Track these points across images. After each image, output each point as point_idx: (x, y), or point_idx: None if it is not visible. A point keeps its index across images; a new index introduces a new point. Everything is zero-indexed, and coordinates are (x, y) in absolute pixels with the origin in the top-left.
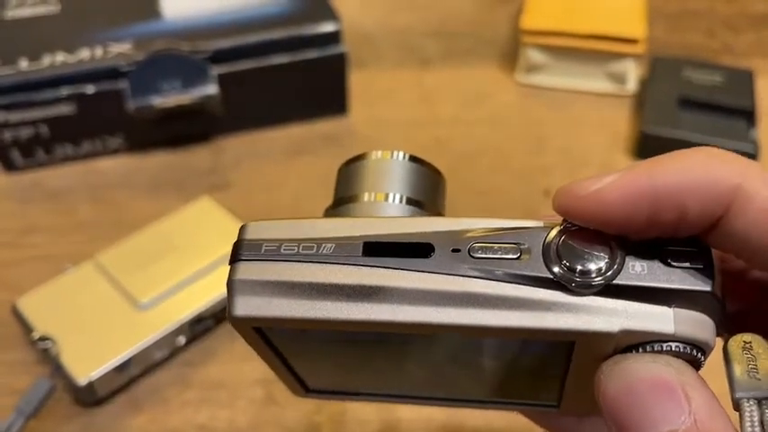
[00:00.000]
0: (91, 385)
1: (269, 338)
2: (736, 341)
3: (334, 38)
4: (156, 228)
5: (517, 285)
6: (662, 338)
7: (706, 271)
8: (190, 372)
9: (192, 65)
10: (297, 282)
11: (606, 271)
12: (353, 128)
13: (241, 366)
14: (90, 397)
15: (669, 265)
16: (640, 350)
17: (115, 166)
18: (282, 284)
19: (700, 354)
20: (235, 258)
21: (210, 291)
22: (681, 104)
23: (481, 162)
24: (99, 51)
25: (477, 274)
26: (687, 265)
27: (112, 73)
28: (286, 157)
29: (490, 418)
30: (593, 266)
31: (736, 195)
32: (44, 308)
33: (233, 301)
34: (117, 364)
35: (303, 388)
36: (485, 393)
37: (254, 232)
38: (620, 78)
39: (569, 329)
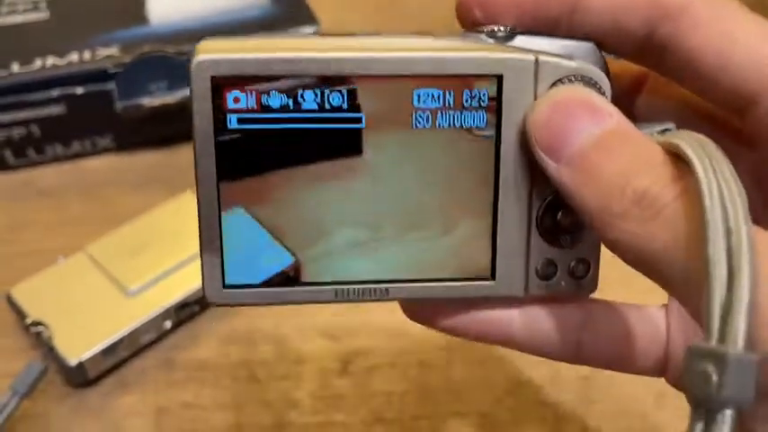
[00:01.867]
0: (81, 366)
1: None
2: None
3: None
4: (142, 220)
5: (451, 40)
6: (570, 72)
7: (592, 47)
8: (176, 354)
9: (177, 66)
10: (259, 39)
11: (513, 29)
12: None
13: (225, 349)
14: (81, 378)
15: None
16: (558, 84)
17: (104, 165)
18: (247, 44)
19: (603, 91)
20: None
21: (195, 278)
22: None
23: None
24: (88, 54)
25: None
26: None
27: (101, 75)
28: None
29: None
30: (503, 29)
31: (682, 16)
32: (37, 296)
33: (195, 52)
34: (106, 346)
35: (222, 279)
36: (412, 268)
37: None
38: None
39: (495, 58)
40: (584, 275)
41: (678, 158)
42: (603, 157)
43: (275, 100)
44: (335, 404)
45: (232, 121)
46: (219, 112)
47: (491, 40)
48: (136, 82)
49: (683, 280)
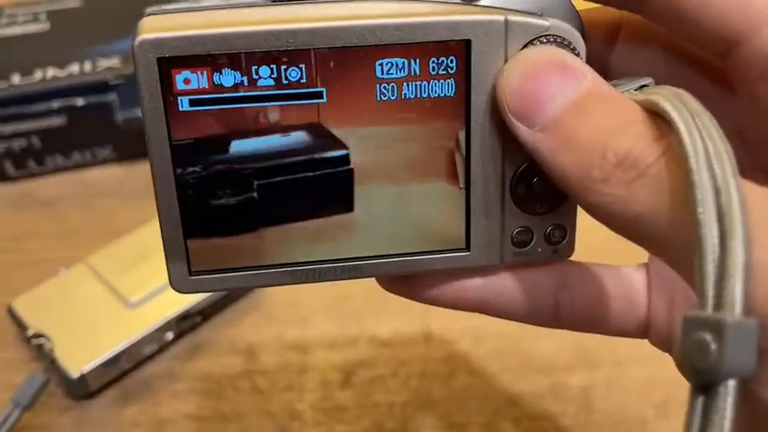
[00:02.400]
0: (83, 378)
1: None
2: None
3: None
4: (143, 231)
5: (415, 3)
6: (541, 32)
7: (566, 1)
8: (177, 365)
9: None
10: (207, 12)
11: None
12: None
13: (227, 360)
14: (82, 390)
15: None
16: (530, 46)
17: (104, 176)
18: (191, 15)
19: (576, 51)
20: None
21: None
22: None
23: None
24: (88, 66)
25: None
26: None
27: (101, 86)
28: None
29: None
30: None
31: None
32: (38, 308)
33: (137, 31)
34: (108, 358)
35: (187, 266)
36: (383, 245)
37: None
38: None
39: (462, 21)
40: (561, 241)
41: (658, 116)
42: (579, 120)
43: (228, 78)
44: (338, 415)
45: (183, 104)
46: (169, 94)
47: (457, 0)
48: (136, 94)
49: (672, 242)
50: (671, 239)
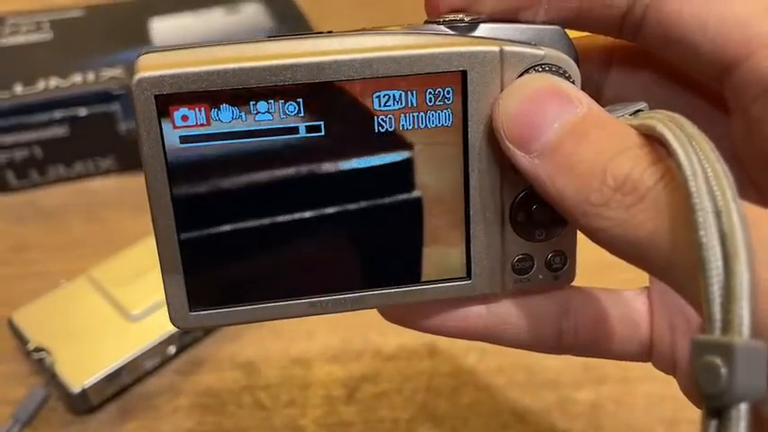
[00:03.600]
0: (84, 393)
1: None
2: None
3: None
4: (145, 243)
5: (409, 35)
6: (536, 62)
7: (559, 30)
8: (179, 380)
9: None
10: (203, 49)
11: (476, 17)
12: None
13: (229, 375)
14: (83, 404)
15: (525, 24)
16: (525, 75)
17: (107, 187)
18: (189, 52)
19: (572, 79)
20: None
21: None
22: None
23: None
24: (91, 76)
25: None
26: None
27: (104, 96)
28: None
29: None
30: (465, 18)
31: None
32: (39, 320)
33: (135, 69)
34: (109, 372)
35: (188, 301)
36: (388, 277)
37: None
38: None
39: (458, 52)
40: (562, 267)
41: (655, 141)
42: (577, 145)
43: (226, 114)
44: (342, 431)
45: (180, 140)
46: (168, 131)
47: (452, 32)
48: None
49: (675, 265)
50: (673, 263)
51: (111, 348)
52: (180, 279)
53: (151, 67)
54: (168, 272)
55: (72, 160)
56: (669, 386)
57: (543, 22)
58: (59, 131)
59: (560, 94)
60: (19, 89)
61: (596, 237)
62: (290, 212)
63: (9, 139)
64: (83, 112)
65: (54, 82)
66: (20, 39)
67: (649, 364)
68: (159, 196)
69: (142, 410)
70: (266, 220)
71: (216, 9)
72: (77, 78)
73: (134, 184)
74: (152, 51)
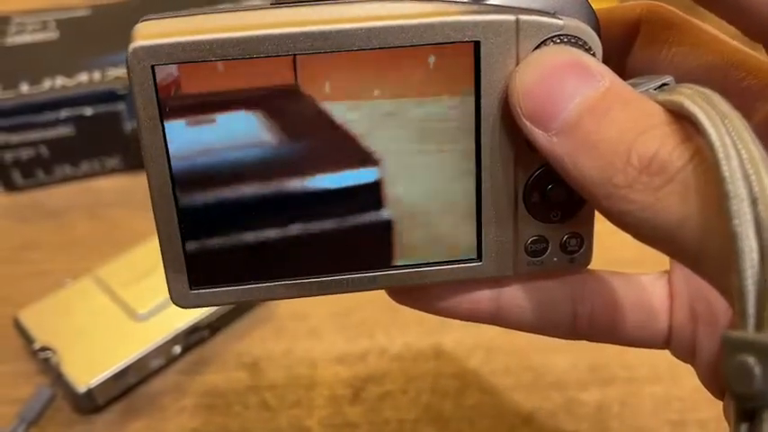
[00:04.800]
0: (90, 392)
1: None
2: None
3: None
4: (151, 242)
5: (421, 3)
6: (554, 32)
7: None
8: (185, 380)
9: None
10: (203, 16)
11: None
12: None
13: (235, 375)
14: (89, 404)
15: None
16: (543, 47)
17: (112, 186)
18: (189, 20)
19: (592, 51)
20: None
21: None
22: None
23: None
24: (97, 75)
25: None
26: None
27: (110, 96)
28: None
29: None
30: None
31: None
32: (45, 320)
33: (131, 37)
34: (115, 372)
35: (188, 279)
36: (390, 256)
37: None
38: None
39: (470, 21)
40: (578, 250)
41: (683, 118)
42: (600, 122)
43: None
44: None
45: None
46: (166, 105)
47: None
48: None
49: (705, 253)
50: (704, 250)
51: (116, 348)
52: (180, 256)
53: (149, 35)
54: (168, 248)
55: (78, 160)
56: (676, 387)
57: None
58: (65, 131)
59: (581, 67)
60: (25, 88)
61: (620, 220)
62: (293, 193)
63: (15, 138)
64: (89, 111)
65: (60, 81)
66: (26, 38)
67: (655, 364)
68: (158, 173)
69: (148, 410)
70: (266, 191)
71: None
72: (83, 78)
73: (140, 184)
74: (151, 19)
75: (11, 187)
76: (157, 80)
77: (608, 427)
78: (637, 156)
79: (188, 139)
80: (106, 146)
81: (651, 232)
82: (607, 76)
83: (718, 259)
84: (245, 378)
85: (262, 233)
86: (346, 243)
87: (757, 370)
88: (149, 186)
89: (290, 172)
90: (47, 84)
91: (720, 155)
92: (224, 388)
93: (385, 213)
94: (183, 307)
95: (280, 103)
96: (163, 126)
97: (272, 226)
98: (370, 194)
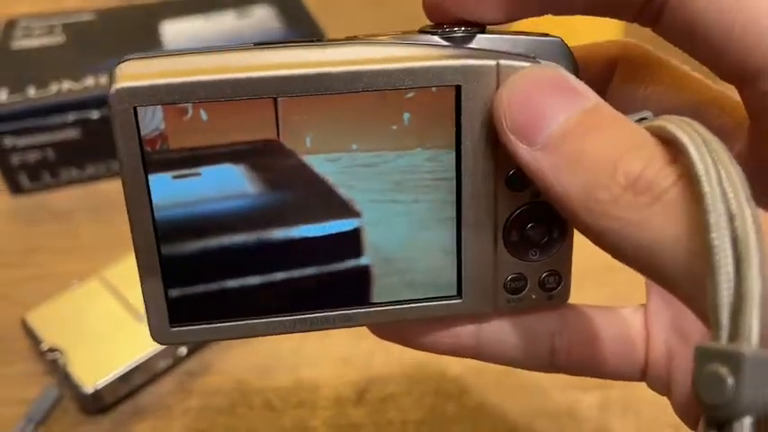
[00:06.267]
0: (97, 393)
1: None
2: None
3: None
4: None
5: (402, 46)
6: None
7: (559, 42)
8: (191, 381)
9: None
10: (186, 57)
11: (472, 28)
12: None
13: (240, 376)
14: (96, 405)
15: (524, 35)
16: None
17: (118, 188)
18: (171, 60)
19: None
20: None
21: None
22: None
23: None
24: (103, 79)
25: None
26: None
27: None
28: None
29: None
30: (461, 29)
31: None
32: (52, 321)
33: (113, 78)
34: (122, 372)
35: (168, 317)
36: (370, 296)
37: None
38: None
39: (452, 66)
40: (556, 287)
41: (666, 141)
42: (586, 138)
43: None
44: None
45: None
46: (147, 144)
47: (446, 43)
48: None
49: (688, 276)
50: (684, 271)
51: (123, 349)
52: (160, 294)
53: (131, 77)
54: (148, 287)
55: (84, 162)
56: None
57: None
58: (72, 134)
59: (567, 85)
60: (32, 92)
61: (601, 238)
62: (275, 243)
63: (22, 141)
64: (95, 114)
65: (67, 85)
66: (32, 42)
67: None
68: (139, 211)
69: (154, 411)
70: (249, 240)
71: (226, 12)
72: (89, 82)
73: None
74: (133, 59)
75: (18, 190)
76: (142, 134)
77: (610, 428)
78: (623, 173)
79: (172, 190)
80: (112, 149)
81: (632, 251)
82: (592, 95)
83: (697, 281)
84: (250, 379)
85: (243, 280)
86: (326, 285)
87: (730, 380)
88: (132, 234)
89: (272, 222)
90: (54, 87)
91: (701, 172)
92: (229, 389)
93: (363, 260)
94: (162, 344)
95: (263, 157)
96: (147, 177)
97: (254, 273)
98: (350, 242)
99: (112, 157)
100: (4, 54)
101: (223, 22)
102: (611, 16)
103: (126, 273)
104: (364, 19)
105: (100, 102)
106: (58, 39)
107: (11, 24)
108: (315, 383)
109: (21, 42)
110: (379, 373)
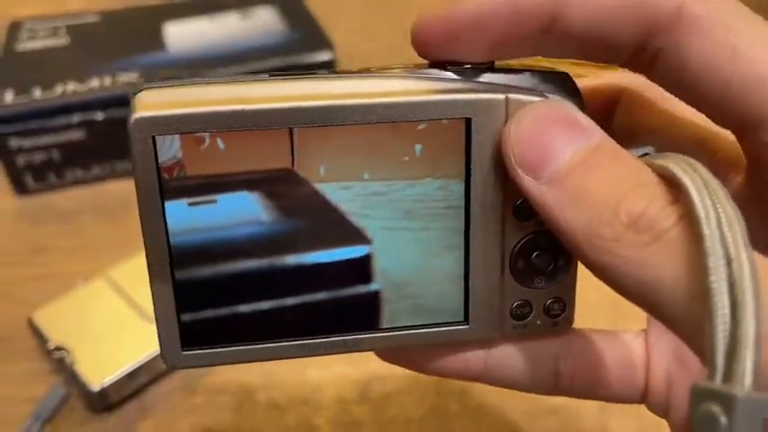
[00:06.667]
0: (104, 391)
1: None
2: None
3: (328, 66)
4: None
5: (413, 80)
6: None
7: (561, 74)
8: (196, 379)
9: None
10: (204, 87)
11: (481, 63)
12: None
13: (244, 374)
14: (102, 403)
15: (530, 71)
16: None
17: (123, 189)
18: (189, 90)
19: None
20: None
21: None
22: None
23: None
24: (108, 81)
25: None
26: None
27: (121, 101)
28: None
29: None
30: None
31: (676, 26)
32: (58, 320)
33: (132, 107)
34: (128, 371)
35: (180, 341)
36: (379, 321)
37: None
38: None
39: (462, 100)
40: (561, 314)
41: (667, 180)
42: (590, 175)
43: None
44: (355, 430)
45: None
46: (165, 171)
47: (456, 77)
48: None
49: (686, 314)
50: (684, 310)
51: (129, 348)
52: (173, 318)
53: (150, 106)
54: (161, 310)
55: (89, 163)
56: None
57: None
58: (77, 135)
59: (574, 121)
60: (37, 94)
61: (604, 274)
62: (288, 269)
63: (28, 142)
64: (100, 116)
65: (72, 86)
66: (37, 44)
67: None
68: (155, 238)
69: (159, 409)
70: (262, 266)
71: (230, 13)
72: (94, 83)
73: None
74: (151, 88)
75: (23, 191)
76: (160, 161)
77: (610, 427)
78: (626, 211)
79: (188, 217)
80: (117, 150)
81: (634, 288)
82: (598, 132)
83: (695, 321)
84: (255, 378)
85: (255, 305)
86: (336, 310)
87: (722, 419)
88: (147, 258)
89: (285, 248)
90: (58, 89)
91: (701, 214)
92: (234, 387)
93: (374, 286)
94: (173, 368)
95: (278, 185)
96: (163, 203)
97: (266, 298)
98: (361, 268)
99: (117, 157)
100: (9, 56)
101: (226, 24)
102: (602, 62)
103: (131, 272)
104: (365, 20)
105: (104, 103)
106: (62, 40)
107: (16, 26)
108: (318, 381)
109: (25, 44)
110: (381, 371)
